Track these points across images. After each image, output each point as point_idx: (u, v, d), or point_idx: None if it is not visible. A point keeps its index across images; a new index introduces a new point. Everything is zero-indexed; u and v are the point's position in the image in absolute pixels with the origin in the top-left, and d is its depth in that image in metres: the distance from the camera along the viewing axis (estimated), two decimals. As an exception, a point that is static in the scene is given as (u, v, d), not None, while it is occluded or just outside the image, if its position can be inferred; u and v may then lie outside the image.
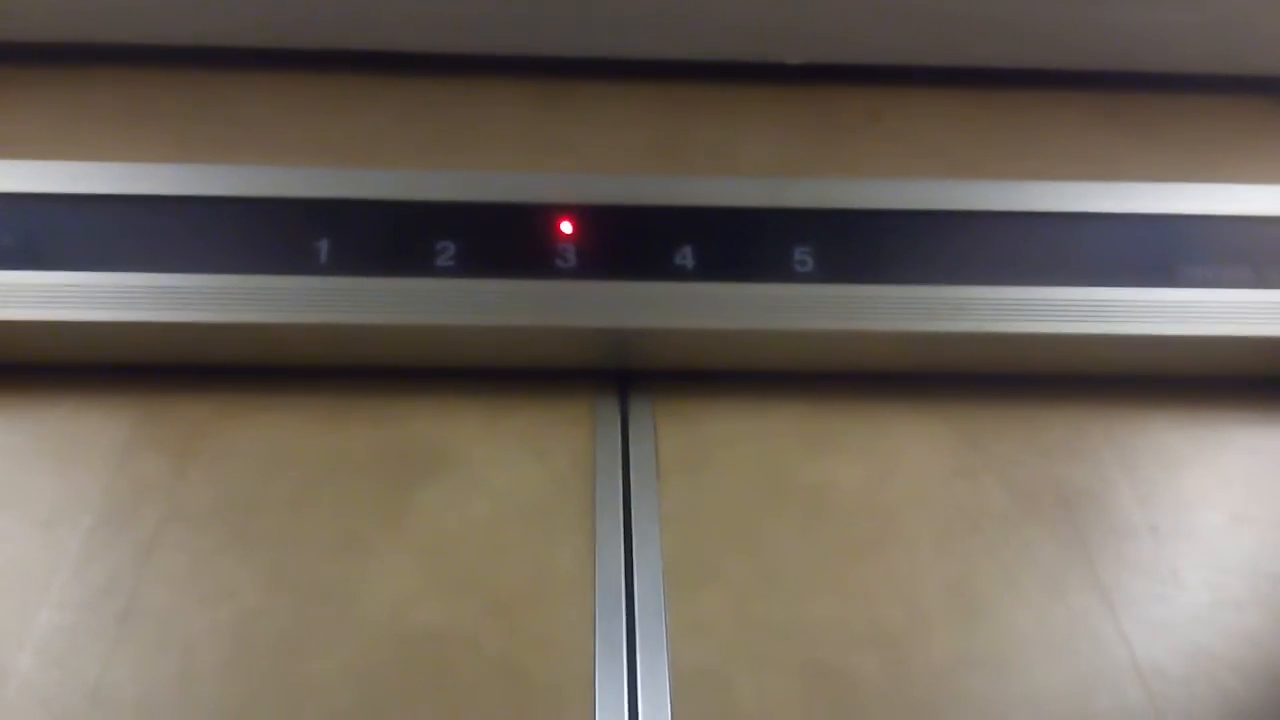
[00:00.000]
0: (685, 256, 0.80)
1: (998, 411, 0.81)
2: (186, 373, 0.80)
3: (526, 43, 0.98)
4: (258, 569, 0.69)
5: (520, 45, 0.98)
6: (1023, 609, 0.70)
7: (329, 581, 0.69)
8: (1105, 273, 0.81)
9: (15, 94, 0.95)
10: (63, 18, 0.94)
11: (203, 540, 0.71)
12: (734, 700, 0.64)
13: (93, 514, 0.72)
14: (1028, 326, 0.79)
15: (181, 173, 0.82)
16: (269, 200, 0.81)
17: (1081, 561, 0.72)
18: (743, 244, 0.82)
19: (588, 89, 0.99)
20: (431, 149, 0.94)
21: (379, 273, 0.78)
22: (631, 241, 0.82)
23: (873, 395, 0.82)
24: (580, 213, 0.82)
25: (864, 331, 0.79)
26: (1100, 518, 0.75)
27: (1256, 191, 0.85)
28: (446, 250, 0.80)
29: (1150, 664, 0.67)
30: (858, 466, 0.77)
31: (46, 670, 0.64)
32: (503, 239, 0.81)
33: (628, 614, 0.68)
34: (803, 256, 0.81)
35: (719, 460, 0.77)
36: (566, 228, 0.81)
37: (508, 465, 0.76)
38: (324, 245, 0.79)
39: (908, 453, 0.79)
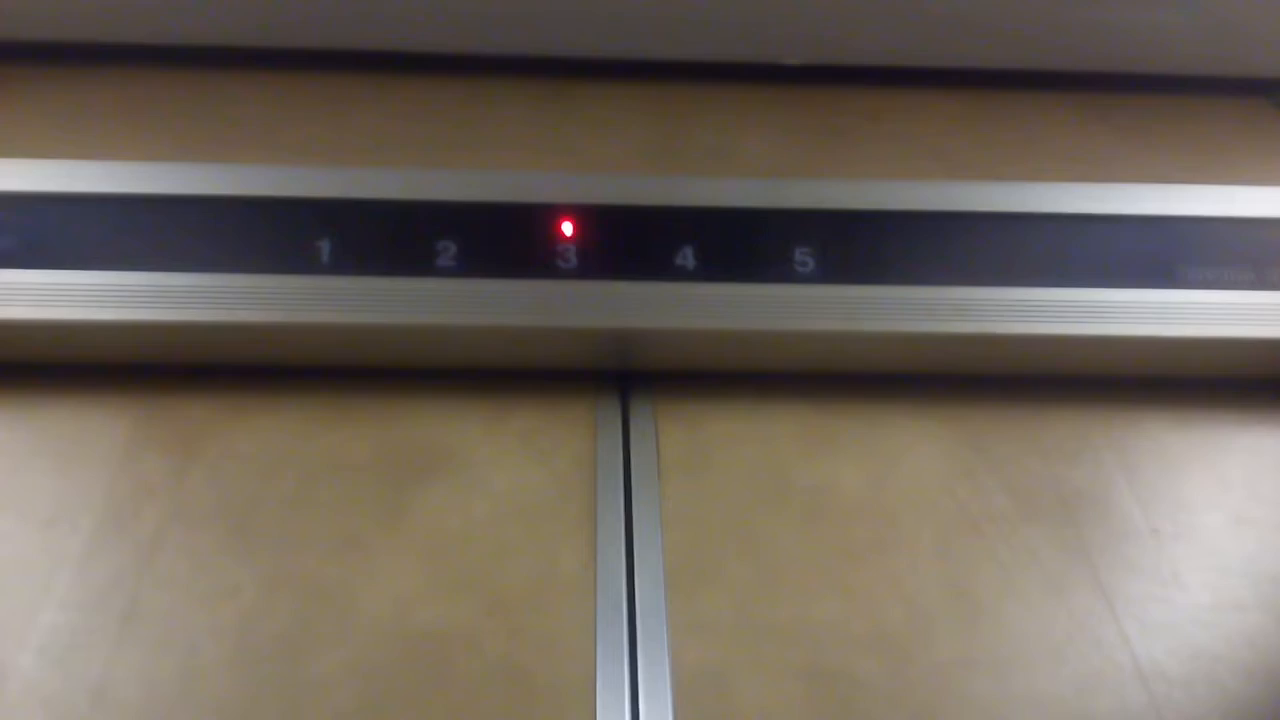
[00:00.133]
0: (686, 257, 0.80)
1: (999, 413, 0.81)
2: (188, 373, 0.80)
3: (528, 43, 0.98)
4: (259, 569, 0.69)
5: (521, 45, 0.98)
6: (1024, 611, 0.70)
7: (331, 582, 0.69)
8: (1106, 274, 0.81)
9: (16, 93, 0.95)
10: (63, 17, 0.94)
11: (204, 540, 0.71)
12: (735, 701, 0.64)
13: (94, 514, 0.72)
14: (1029, 328, 0.79)
15: (183, 172, 0.82)
16: (270, 200, 0.81)
17: (1082, 563, 0.72)
18: (744, 244, 0.82)
19: (588, 89, 0.99)
20: (433, 148, 0.94)
21: (380, 272, 0.78)
22: (633, 242, 0.82)
23: (874, 396, 0.82)
24: (582, 213, 0.82)
25: (865, 332, 0.79)
26: (1101, 519, 0.75)
27: (1256, 193, 0.85)
28: (448, 250, 0.80)
29: (1151, 665, 0.67)
30: (859, 468, 0.77)
31: (48, 670, 0.64)
32: (504, 239, 0.81)
33: (629, 614, 0.68)
34: (803, 257, 0.81)
35: (720, 461, 0.77)
36: (568, 228, 0.81)
37: (509, 466, 0.76)
38: (325, 245, 0.79)
39: (909, 454, 0.79)
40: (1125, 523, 0.75)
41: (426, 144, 0.94)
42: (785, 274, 0.80)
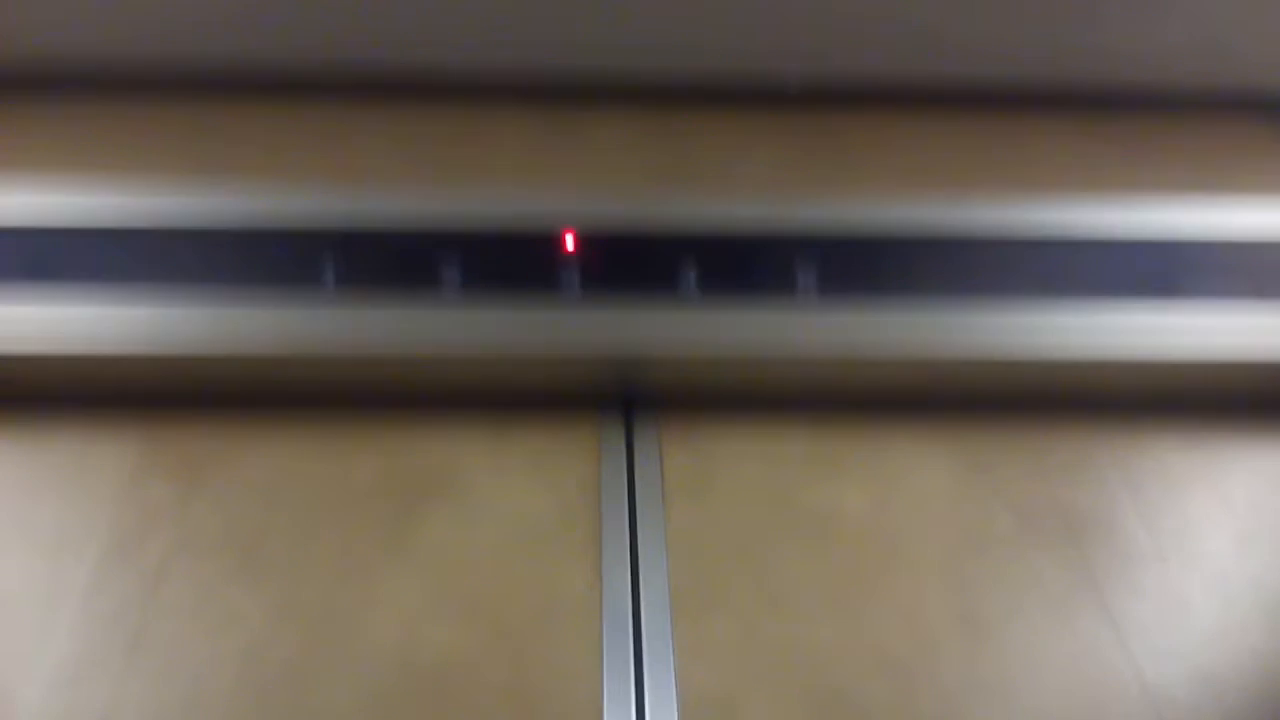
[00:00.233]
0: (690, 281, 0.81)
1: (1002, 435, 0.81)
2: (191, 402, 0.80)
3: (532, 67, 0.98)
4: (265, 597, 0.69)
5: (526, 69, 0.98)
6: (1030, 633, 0.70)
7: (337, 609, 0.69)
8: (1109, 296, 0.81)
9: (24, 119, 0.95)
10: (66, 44, 0.95)
11: (210, 568, 0.71)
12: (742, 726, 0.64)
13: (100, 543, 0.72)
14: (1032, 350, 0.79)
15: (188, 205, 0.82)
16: (275, 230, 0.82)
17: (1088, 585, 0.72)
18: (747, 268, 0.82)
19: (592, 113, 0.99)
20: (437, 172, 0.94)
21: (385, 302, 0.79)
22: (636, 265, 0.82)
23: (877, 419, 0.82)
24: (586, 237, 0.82)
25: (868, 356, 0.79)
26: (1106, 541, 0.75)
27: (1260, 210, 0.85)
28: (452, 277, 0.80)
29: (1158, 688, 0.67)
30: (863, 490, 0.77)
31: (55, 699, 0.64)
32: (508, 264, 0.81)
33: (635, 638, 0.68)
34: (806, 281, 0.81)
35: (725, 484, 0.77)
36: (572, 252, 0.81)
37: (514, 490, 0.76)
38: (330, 273, 0.79)
39: (913, 476, 0.79)
40: (1130, 545, 0.75)
41: (433, 168, 0.94)
42: (788, 297, 0.81)
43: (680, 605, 0.70)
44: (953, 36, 0.95)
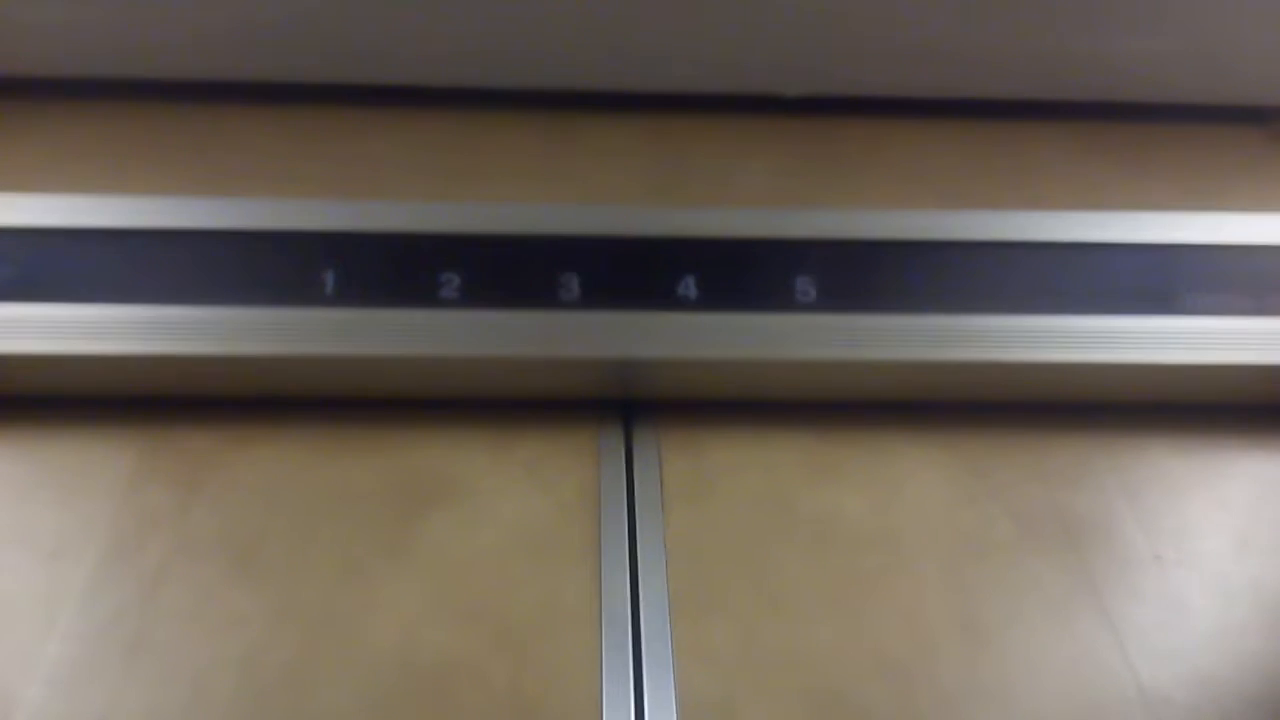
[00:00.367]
0: (688, 287, 0.81)
1: (1001, 440, 0.82)
2: (191, 404, 0.80)
3: (530, 76, 0.99)
4: (265, 600, 0.69)
5: (524, 79, 0.99)
6: (1028, 637, 0.70)
7: (336, 612, 0.69)
8: (1105, 302, 0.81)
9: (23, 128, 0.95)
10: (69, 53, 0.95)
11: (209, 572, 0.71)
12: (742, 729, 0.64)
13: (99, 546, 0.72)
14: (1030, 355, 0.79)
15: (187, 207, 0.83)
16: (275, 233, 0.82)
17: (1086, 589, 0.73)
18: (745, 274, 0.82)
19: (590, 122, 1.00)
20: (436, 180, 0.94)
21: (384, 304, 0.79)
22: (635, 272, 0.82)
23: (876, 424, 0.82)
24: (584, 244, 0.83)
25: (866, 361, 0.79)
26: (1105, 546, 0.75)
27: (1254, 220, 0.86)
28: (451, 281, 0.80)
29: (1156, 692, 0.67)
30: (862, 495, 0.78)
31: (55, 702, 0.64)
32: (507, 270, 0.81)
33: (634, 643, 0.68)
34: (805, 286, 0.81)
35: (724, 489, 0.77)
36: (570, 259, 0.82)
37: (513, 495, 0.76)
38: (330, 277, 0.80)
39: (912, 481, 0.79)
40: (1128, 549, 0.75)
41: (430, 176, 0.95)
42: (787, 303, 0.81)
43: (679, 609, 0.70)
44: (951, 47, 0.95)
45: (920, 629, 0.70)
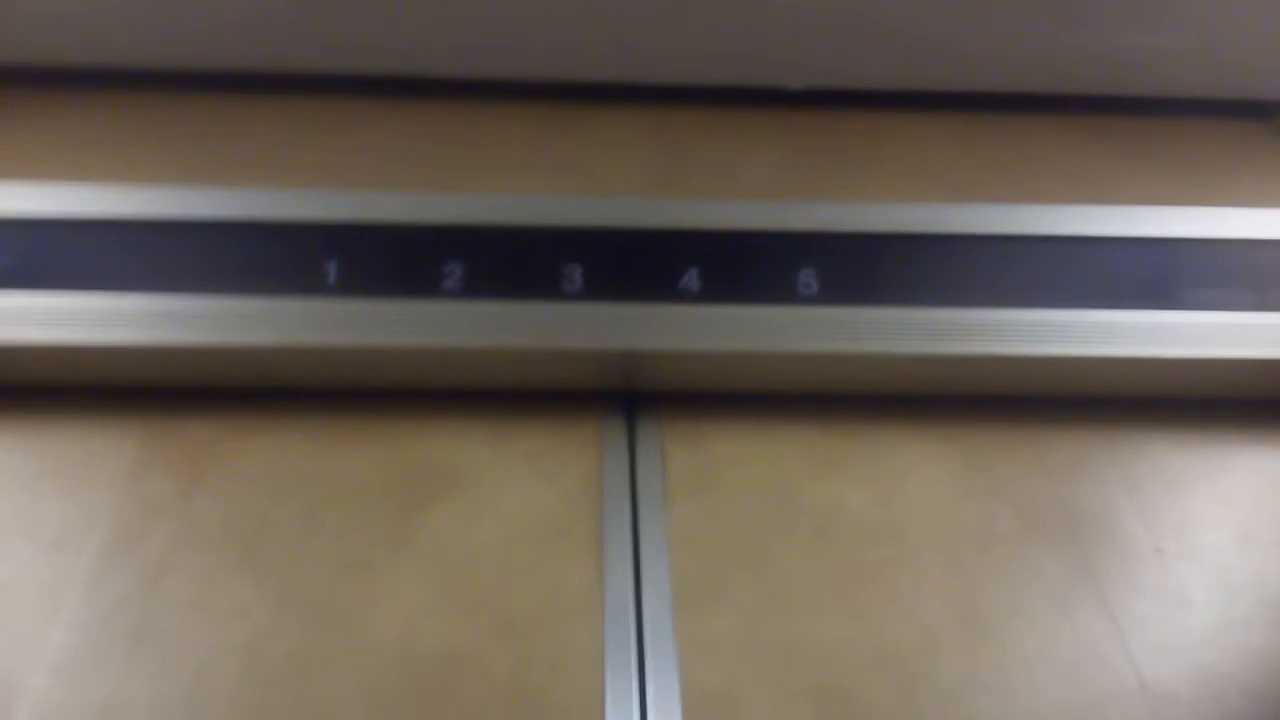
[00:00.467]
0: (691, 279, 0.81)
1: (1003, 433, 0.82)
2: (193, 395, 0.80)
3: (534, 67, 0.99)
4: (267, 590, 0.69)
5: (528, 70, 0.99)
6: (1030, 631, 0.70)
7: (339, 603, 0.69)
8: (1108, 296, 0.81)
9: (25, 116, 0.95)
10: (70, 42, 0.95)
11: (211, 561, 0.71)
12: (745, 721, 0.64)
13: (101, 536, 0.72)
14: (1031, 349, 0.79)
15: (189, 196, 0.82)
16: (277, 223, 0.82)
17: (1088, 583, 0.73)
18: (748, 267, 0.82)
19: (594, 113, 1.00)
20: (439, 171, 0.94)
21: (386, 295, 0.79)
22: (638, 264, 0.82)
23: (879, 417, 0.82)
24: (587, 236, 0.83)
25: (869, 354, 0.79)
26: (1106, 539, 0.75)
27: (1257, 215, 0.86)
28: (454, 272, 0.80)
29: (1157, 685, 0.67)
30: (864, 488, 0.78)
31: (58, 691, 0.64)
32: (510, 261, 0.81)
33: (637, 635, 0.68)
34: (808, 279, 0.81)
35: (726, 481, 0.78)
36: (573, 250, 0.82)
37: (516, 487, 0.76)
38: (332, 268, 0.80)
39: (914, 474, 0.79)
40: (1130, 542, 0.75)
41: (433, 167, 0.95)
42: (790, 296, 0.81)
43: (682, 601, 0.70)
44: (954, 41, 0.95)
45: (922, 622, 0.70)
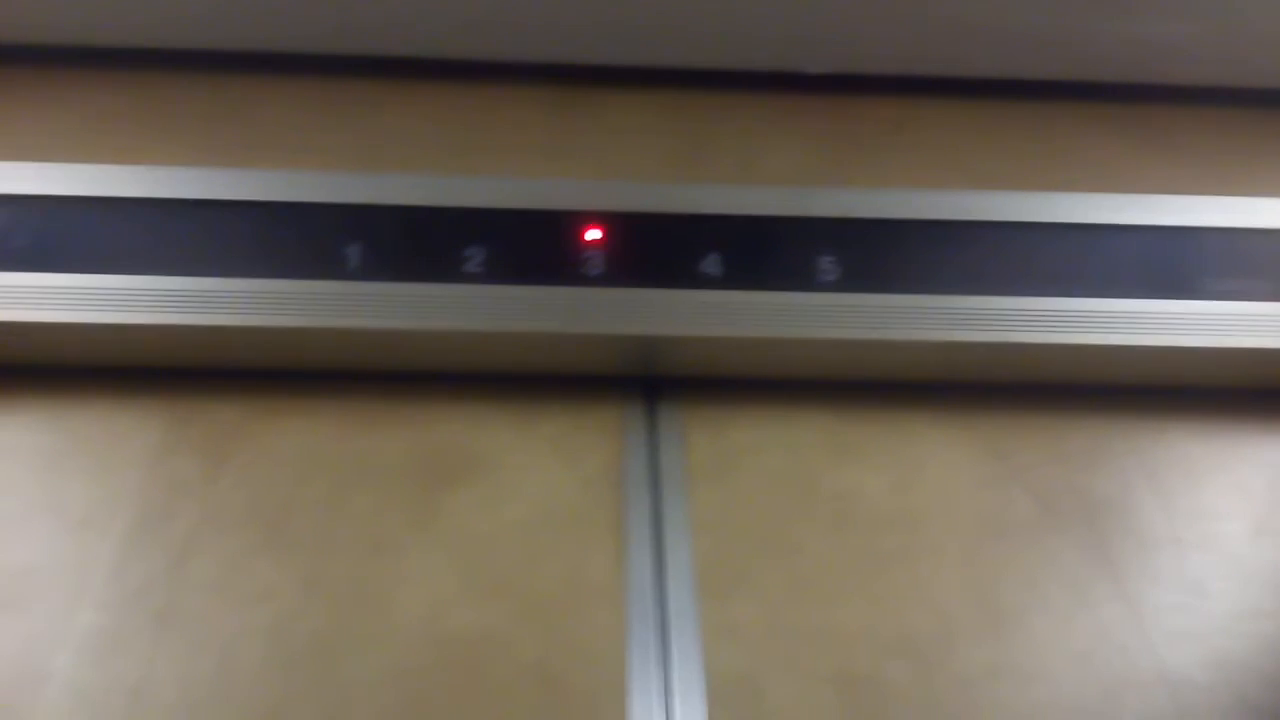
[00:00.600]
0: (712, 264, 0.81)
1: (1021, 421, 0.82)
2: (218, 376, 0.81)
3: (554, 50, 0.98)
4: (293, 571, 0.70)
5: (548, 52, 0.99)
6: (1049, 618, 0.71)
7: (364, 584, 0.69)
8: (1128, 284, 0.82)
9: (54, 97, 0.95)
10: (89, 21, 0.95)
11: (237, 542, 0.71)
12: (767, 706, 0.65)
13: (127, 516, 0.72)
14: (1051, 337, 0.80)
15: (213, 177, 0.82)
16: (301, 205, 0.82)
17: (1106, 571, 0.73)
18: (769, 252, 0.82)
19: (614, 97, 0.99)
20: (458, 154, 0.94)
21: (409, 278, 0.79)
22: (659, 249, 0.82)
23: (898, 404, 0.82)
24: (609, 220, 0.83)
25: (889, 340, 0.80)
26: (1125, 528, 0.76)
27: (1278, 205, 0.86)
28: (476, 256, 0.80)
29: (1176, 673, 0.68)
30: (884, 475, 0.78)
31: (86, 671, 0.64)
32: (532, 245, 0.82)
33: (660, 619, 0.69)
34: (828, 265, 0.81)
35: (747, 467, 0.78)
36: (595, 234, 0.82)
37: (538, 471, 0.77)
38: (355, 250, 0.80)
39: (933, 461, 0.79)
40: (1148, 531, 0.76)
41: (452, 149, 0.94)
42: (810, 282, 0.81)
43: (706, 587, 0.70)
44: (976, 26, 0.95)
45: (942, 608, 0.70)
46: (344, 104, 0.98)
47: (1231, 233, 0.85)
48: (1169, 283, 0.82)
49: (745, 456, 0.78)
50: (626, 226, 0.83)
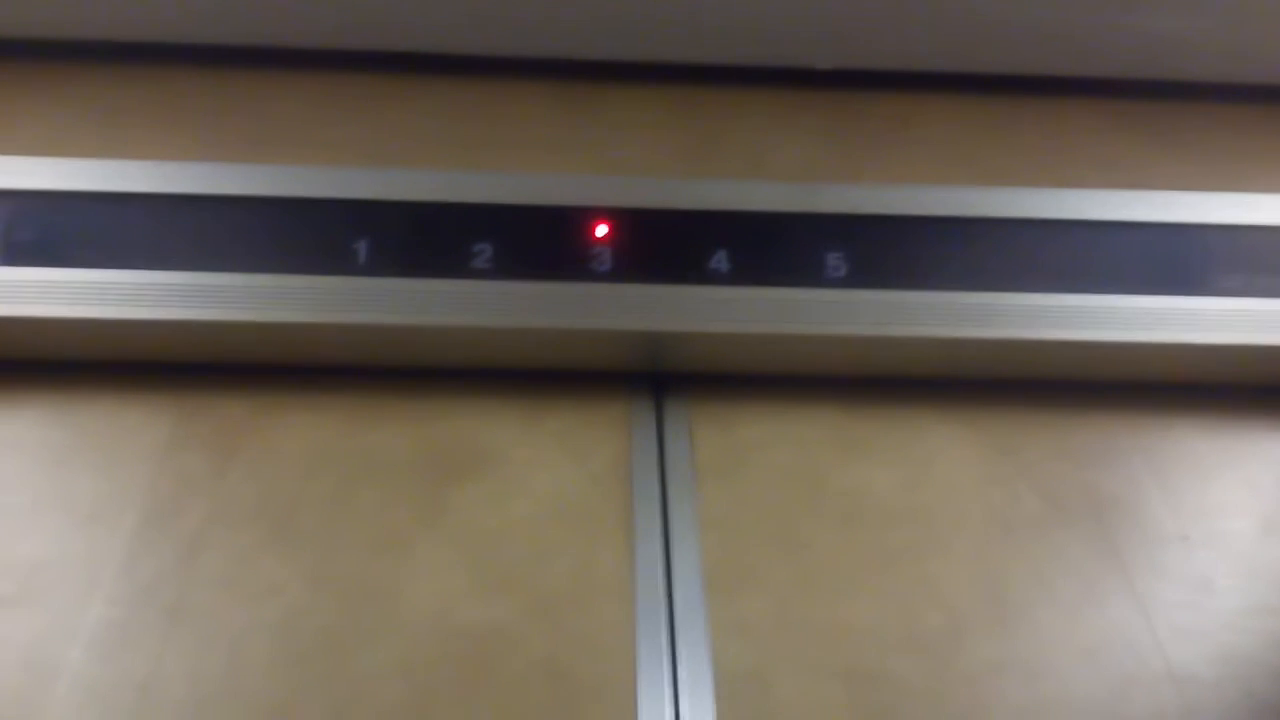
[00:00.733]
0: (720, 260, 0.81)
1: (1029, 418, 0.82)
2: (226, 371, 0.81)
3: (562, 46, 0.98)
4: (301, 566, 0.70)
5: (556, 48, 0.99)
6: (1057, 614, 0.71)
7: (372, 579, 0.69)
8: (1136, 281, 0.82)
9: (54, 92, 0.95)
10: (96, 17, 0.95)
11: (246, 538, 0.71)
12: (776, 701, 0.65)
13: (137, 511, 0.72)
14: (1059, 334, 0.80)
15: (221, 172, 0.83)
16: (309, 200, 0.82)
17: (1114, 567, 0.73)
18: (777, 248, 0.82)
19: (622, 93, 0.99)
20: (466, 150, 0.94)
21: (417, 274, 0.79)
22: (667, 245, 0.82)
23: (905, 400, 0.82)
24: (616, 215, 0.83)
25: (896, 337, 0.80)
26: (1132, 524, 0.76)
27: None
28: (484, 252, 0.80)
29: (1184, 669, 0.68)
30: (892, 471, 0.78)
31: (97, 666, 0.64)
32: (539, 241, 0.82)
33: (669, 615, 0.69)
34: (836, 262, 0.81)
35: (755, 464, 0.78)
36: (602, 231, 0.82)
37: (545, 466, 0.77)
38: (363, 246, 0.80)
39: (941, 458, 0.79)
40: (1156, 527, 0.76)
41: (460, 145, 0.94)
42: (818, 278, 0.81)
43: (714, 583, 0.70)
44: (983, 22, 0.95)
45: (950, 605, 0.70)
46: (352, 99, 0.98)
47: (1240, 229, 0.85)
48: (1177, 279, 0.82)
49: (753, 452, 0.78)
50: (634, 222, 0.83)
